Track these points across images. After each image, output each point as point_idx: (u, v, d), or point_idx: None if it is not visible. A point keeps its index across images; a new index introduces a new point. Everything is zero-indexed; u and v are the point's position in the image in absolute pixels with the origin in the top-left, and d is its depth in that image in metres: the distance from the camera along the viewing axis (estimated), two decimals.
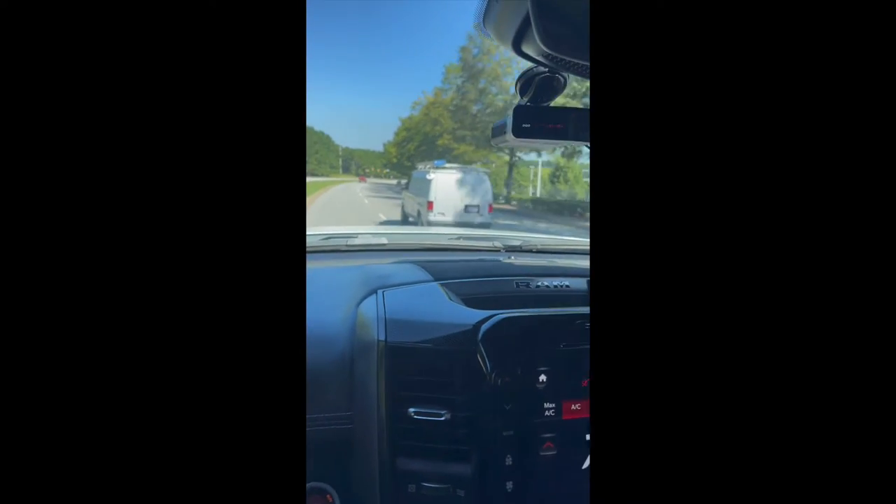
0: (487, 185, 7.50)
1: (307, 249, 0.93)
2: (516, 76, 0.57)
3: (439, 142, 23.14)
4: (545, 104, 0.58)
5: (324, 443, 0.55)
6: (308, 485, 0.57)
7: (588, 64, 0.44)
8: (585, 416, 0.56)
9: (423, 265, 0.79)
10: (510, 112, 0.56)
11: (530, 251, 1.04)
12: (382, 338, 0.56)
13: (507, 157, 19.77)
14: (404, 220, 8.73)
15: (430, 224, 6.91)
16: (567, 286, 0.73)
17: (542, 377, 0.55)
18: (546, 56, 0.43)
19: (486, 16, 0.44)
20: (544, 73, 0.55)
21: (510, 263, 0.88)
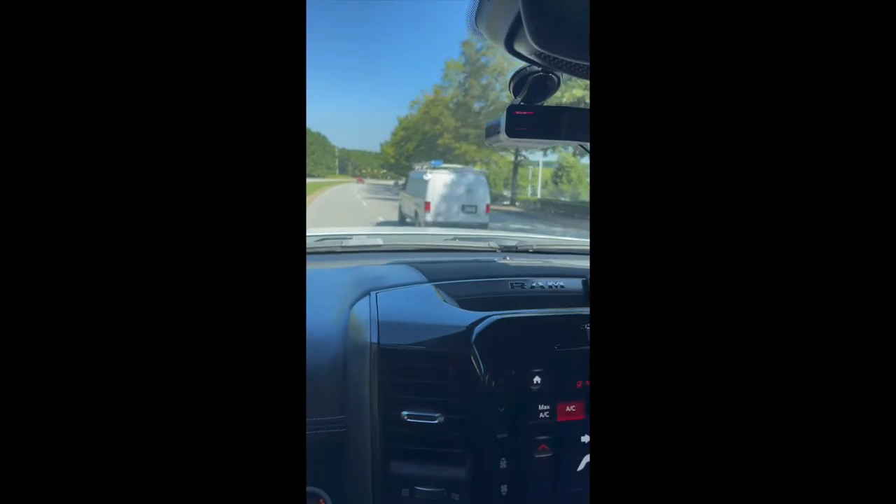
0: (485, 185, 7.51)
1: None
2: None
3: (440, 141, 22.61)
4: (539, 104, 0.57)
5: (317, 447, 0.55)
6: None
7: (581, 62, 0.44)
8: (580, 418, 0.55)
9: (417, 266, 0.79)
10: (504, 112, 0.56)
11: (526, 251, 1.03)
12: (375, 340, 0.55)
13: (510, 157, 19.08)
14: (402, 221, 8.72)
15: (427, 225, 6.91)
16: (562, 286, 0.73)
17: (537, 379, 0.54)
18: (538, 55, 0.43)
19: (479, 14, 0.44)
20: (537, 72, 0.55)
21: (505, 264, 0.88)
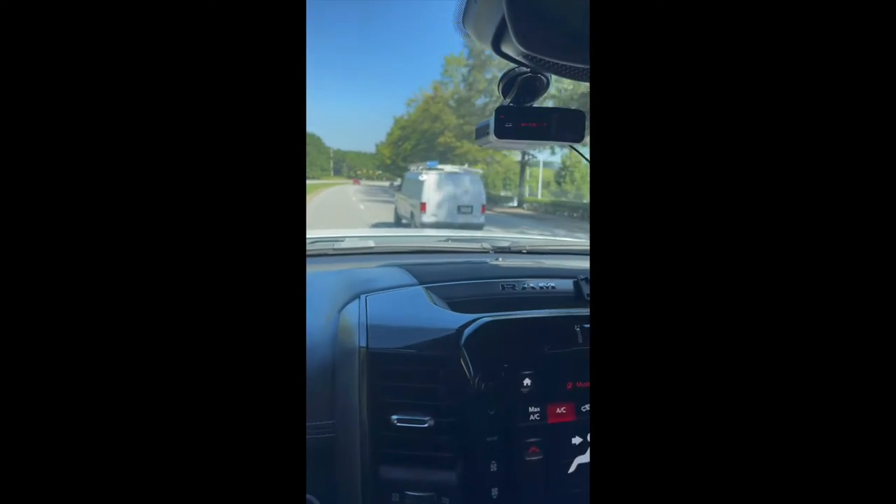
0: (480, 185, 7.52)
1: None
2: None
3: (440, 140, 21.92)
4: (528, 104, 0.57)
5: (306, 452, 0.54)
6: None
7: (567, 64, 0.43)
8: (571, 420, 0.55)
9: (408, 268, 0.78)
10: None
11: (519, 252, 1.03)
12: (364, 344, 0.55)
13: (513, 157, 18.33)
14: (398, 222, 8.71)
15: (423, 225, 6.90)
16: (553, 287, 0.73)
17: (527, 381, 0.54)
18: (525, 56, 0.43)
19: (465, 16, 0.43)
20: (526, 73, 0.55)
21: (496, 265, 0.88)
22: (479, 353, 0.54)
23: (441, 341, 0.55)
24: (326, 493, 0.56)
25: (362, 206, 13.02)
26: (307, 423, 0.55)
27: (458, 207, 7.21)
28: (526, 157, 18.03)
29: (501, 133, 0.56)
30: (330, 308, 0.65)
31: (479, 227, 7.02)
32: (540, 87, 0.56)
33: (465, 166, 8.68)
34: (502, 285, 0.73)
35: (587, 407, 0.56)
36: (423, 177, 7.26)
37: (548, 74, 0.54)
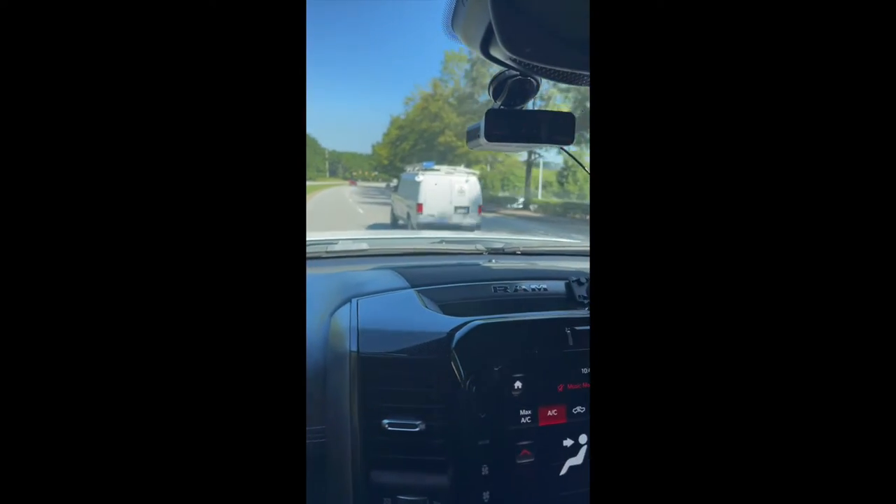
0: (477, 186, 7.53)
1: None
2: None
3: (440, 139, 21.37)
4: (518, 107, 0.57)
5: None
6: None
7: (555, 68, 0.44)
8: (562, 422, 0.55)
9: (400, 271, 0.78)
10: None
11: (513, 254, 1.03)
12: (355, 349, 0.54)
13: (516, 157, 17.54)
14: (394, 223, 8.70)
15: (419, 226, 6.90)
16: (545, 289, 0.73)
17: (518, 384, 0.54)
18: (514, 60, 0.43)
19: (454, 18, 0.43)
20: (516, 76, 0.55)
21: (489, 267, 0.88)
22: (469, 356, 0.54)
23: (432, 345, 0.55)
24: (317, 499, 0.56)
25: (361, 210, 12.85)
26: None
27: (455, 208, 7.22)
28: (533, 157, 17.19)
29: (492, 136, 0.56)
30: (321, 312, 0.64)
31: (475, 228, 7.03)
32: (530, 90, 0.57)
33: (462, 167, 8.68)
34: (494, 288, 0.73)
35: (578, 409, 0.56)
36: (419, 177, 7.26)
37: (538, 77, 0.54)
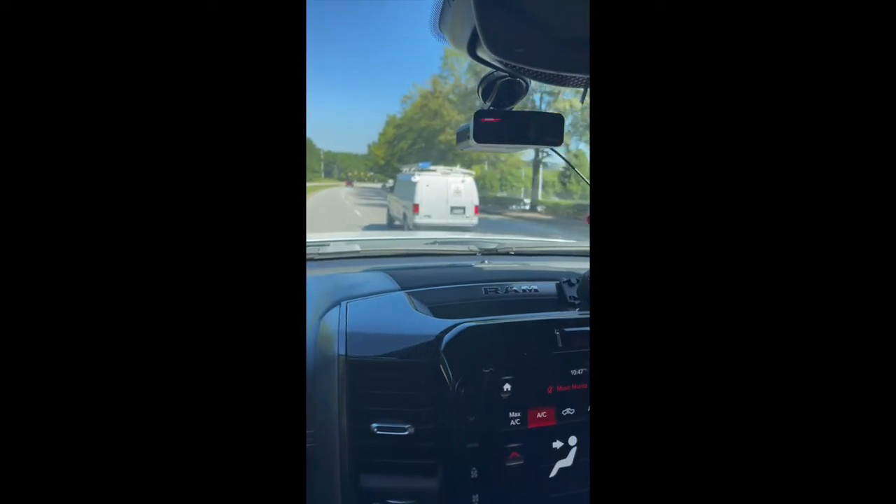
0: (473, 186, 7.54)
1: None
2: None
3: (440, 137, 20.59)
4: (508, 108, 0.57)
5: None
6: None
7: (542, 70, 0.43)
8: (551, 424, 0.55)
9: (392, 273, 0.78)
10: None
11: (506, 254, 1.03)
12: (343, 352, 0.54)
13: (519, 156, 16.88)
14: (390, 224, 8.69)
15: (415, 227, 6.90)
16: (536, 290, 0.73)
17: (507, 386, 0.54)
18: (501, 62, 0.43)
19: (442, 20, 0.43)
20: (505, 77, 0.55)
21: (481, 269, 0.87)
22: (459, 359, 0.53)
23: (421, 348, 0.54)
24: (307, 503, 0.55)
25: (358, 213, 12.72)
26: None
27: (451, 209, 7.23)
28: (540, 156, 16.36)
29: (481, 137, 0.56)
30: (311, 315, 0.64)
31: (472, 228, 7.04)
32: (519, 91, 0.57)
33: (459, 167, 8.68)
34: (485, 289, 0.72)
35: (568, 411, 0.56)
36: (415, 178, 7.26)
37: (527, 79, 0.54)
